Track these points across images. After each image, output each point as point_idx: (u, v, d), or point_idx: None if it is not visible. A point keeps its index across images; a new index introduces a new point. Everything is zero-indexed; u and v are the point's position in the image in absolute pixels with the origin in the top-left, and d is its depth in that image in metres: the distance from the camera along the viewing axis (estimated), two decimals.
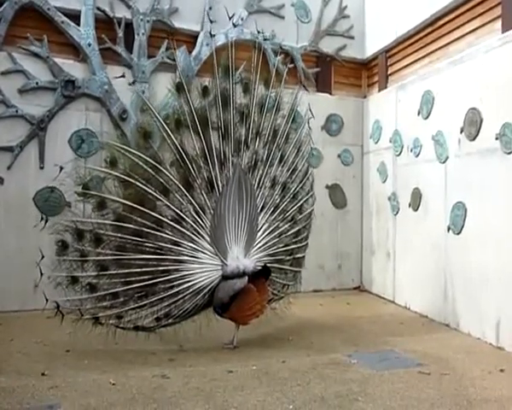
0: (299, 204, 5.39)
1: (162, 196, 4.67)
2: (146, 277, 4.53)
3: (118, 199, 4.64)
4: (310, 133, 5.74)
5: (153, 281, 4.55)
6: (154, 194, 4.64)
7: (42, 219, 4.83)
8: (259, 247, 4.94)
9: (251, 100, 5.17)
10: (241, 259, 4.78)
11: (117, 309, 4.56)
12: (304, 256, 5.61)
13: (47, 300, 4.42)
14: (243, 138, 5.07)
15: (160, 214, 4.68)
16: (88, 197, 4.69)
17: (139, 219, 4.59)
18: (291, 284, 5.50)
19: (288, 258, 5.30)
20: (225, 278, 4.70)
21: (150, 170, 4.66)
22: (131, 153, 4.70)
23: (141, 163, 4.66)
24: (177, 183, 4.74)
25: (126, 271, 4.54)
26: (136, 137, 5.09)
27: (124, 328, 4.62)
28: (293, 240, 5.36)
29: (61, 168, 4.74)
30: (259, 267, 4.78)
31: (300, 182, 5.43)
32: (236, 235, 4.84)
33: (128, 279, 4.54)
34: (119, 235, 4.58)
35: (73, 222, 4.56)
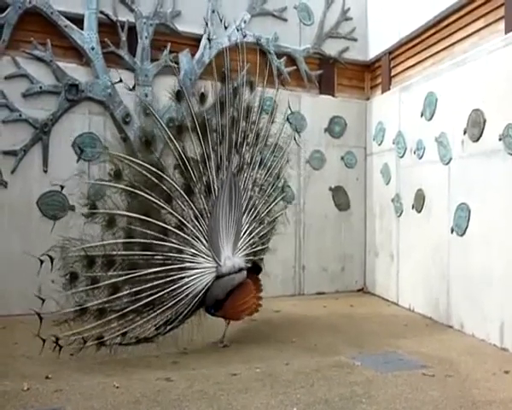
0: (270, 207, 5.48)
1: (166, 205, 4.68)
2: (155, 290, 4.50)
3: (127, 213, 4.57)
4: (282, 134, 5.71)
5: (160, 293, 4.52)
6: (159, 202, 4.64)
7: (41, 262, 4.19)
8: (242, 246, 5.04)
9: (239, 103, 5.22)
10: (232, 257, 4.87)
11: (124, 328, 4.43)
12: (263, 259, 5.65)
13: (43, 341, 4.17)
14: (234, 142, 5.14)
15: (165, 223, 4.68)
16: (96, 217, 4.55)
17: (148, 232, 4.56)
18: None
19: (258, 258, 5.39)
20: (218, 277, 4.76)
21: (154, 178, 4.66)
22: (135, 162, 4.67)
23: (144, 172, 4.64)
24: (179, 189, 4.76)
25: (138, 288, 4.46)
26: (139, 145, 5.07)
27: (127, 344, 4.52)
28: (262, 241, 5.44)
29: (62, 187, 4.73)
30: (249, 264, 4.91)
31: (273, 185, 5.50)
32: (227, 235, 4.92)
33: (138, 296, 4.46)
34: (131, 252, 4.54)
35: (83, 250, 4.34)
